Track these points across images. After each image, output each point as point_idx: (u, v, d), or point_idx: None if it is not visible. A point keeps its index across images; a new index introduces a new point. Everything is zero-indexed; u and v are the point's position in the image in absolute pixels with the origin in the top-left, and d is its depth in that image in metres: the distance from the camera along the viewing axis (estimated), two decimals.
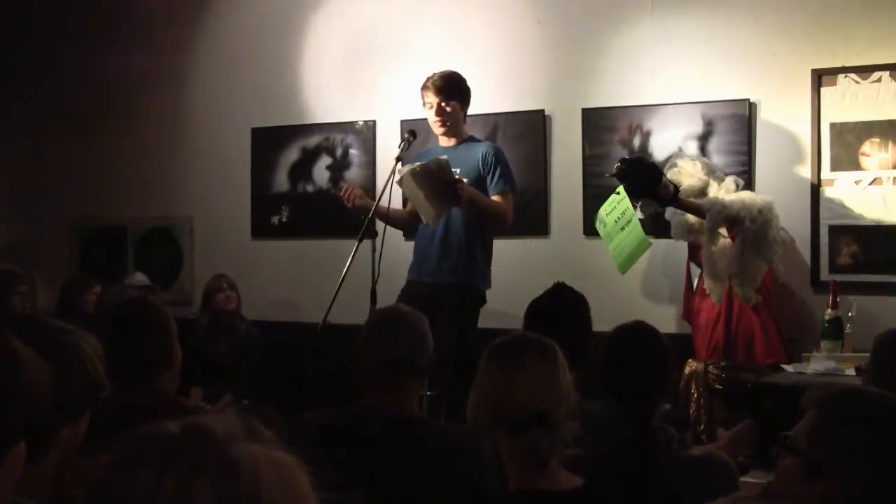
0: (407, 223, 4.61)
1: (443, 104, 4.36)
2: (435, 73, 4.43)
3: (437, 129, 4.44)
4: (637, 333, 2.51)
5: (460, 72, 4.51)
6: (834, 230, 4.44)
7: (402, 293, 4.35)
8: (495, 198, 4.37)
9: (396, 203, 4.63)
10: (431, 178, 4.14)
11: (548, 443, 1.91)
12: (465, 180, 4.21)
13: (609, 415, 2.38)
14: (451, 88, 4.37)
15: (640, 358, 2.41)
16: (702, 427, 4.17)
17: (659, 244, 4.53)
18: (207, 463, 0.90)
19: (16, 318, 2.88)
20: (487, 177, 4.37)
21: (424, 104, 4.44)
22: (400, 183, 4.21)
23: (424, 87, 4.41)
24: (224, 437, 0.92)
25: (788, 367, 4.02)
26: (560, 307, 3.00)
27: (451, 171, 4.18)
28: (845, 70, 4.42)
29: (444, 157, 4.22)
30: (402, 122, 5.23)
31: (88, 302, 5.36)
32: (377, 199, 4.31)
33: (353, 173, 5.58)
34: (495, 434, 1.97)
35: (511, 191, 4.43)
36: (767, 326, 4.24)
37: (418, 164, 4.20)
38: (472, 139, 4.53)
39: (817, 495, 1.46)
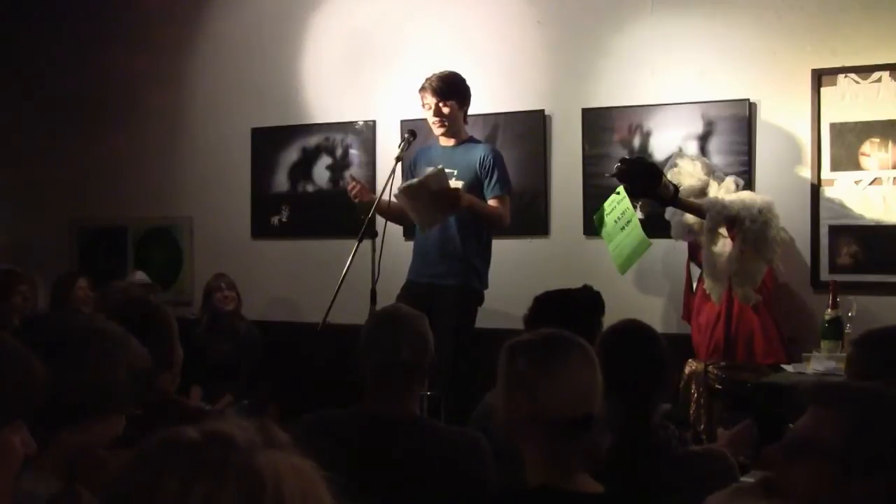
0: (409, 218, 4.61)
1: (440, 105, 4.37)
2: (433, 74, 4.43)
3: (437, 130, 4.46)
4: (632, 333, 2.51)
5: (460, 72, 4.52)
6: (834, 230, 4.44)
7: (400, 293, 4.36)
8: (492, 201, 4.38)
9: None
10: (430, 193, 4.17)
11: (593, 445, 1.89)
12: (460, 185, 4.23)
13: (609, 414, 2.37)
14: (449, 89, 4.38)
15: (637, 357, 2.41)
16: (702, 427, 4.17)
17: (659, 244, 4.52)
18: (232, 473, 0.89)
19: (35, 317, 2.83)
20: (485, 180, 4.38)
21: (423, 105, 4.45)
22: (397, 198, 4.24)
23: (422, 89, 4.42)
24: (247, 445, 0.92)
25: (788, 367, 4.02)
26: (573, 301, 3.00)
27: (448, 182, 4.20)
28: (845, 70, 4.42)
29: (441, 166, 4.24)
30: (402, 122, 5.23)
31: (78, 297, 5.34)
32: (377, 198, 4.32)
33: (353, 173, 5.56)
34: (532, 435, 1.90)
35: (508, 194, 4.44)
36: (767, 326, 4.24)
37: (416, 180, 4.22)
38: (471, 140, 4.54)
39: (859, 496, 1.42)
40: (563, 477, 1.87)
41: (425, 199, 4.19)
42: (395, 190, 4.30)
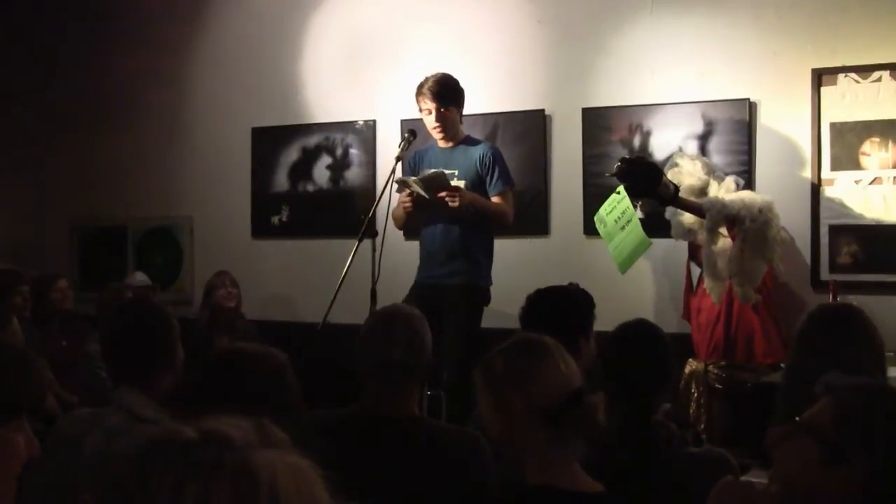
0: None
1: (441, 110, 4.37)
2: (428, 79, 4.41)
3: (436, 135, 4.45)
4: (640, 332, 2.52)
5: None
6: (834, 230, 4.44)
7: (408, 295, 4.36)
8: (495, 199, 4.38)
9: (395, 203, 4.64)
10: (427, 190, 4.19)
11: (588, 417, 1.92)
12: (462, 185, 4.23)
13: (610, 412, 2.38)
14: (447, 94, 4.37)
15: (643, 356, 2.42)
16: (702, 427, 4.17)
17: (659, 244, 4.52)
18: (227, 472, 0.89)
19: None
20: (487, 178, 4.39)
21: (421, 110, 4.44)
22: (396, 183, 4.26)
23: (420, 94, 4.40)
24: (242, 443, 0.92)
25: None
26: (566, 298, 2.99)
27: (448, 183, 4.21)
28: (845, 70, 4.42)
29: (440, 169, 4.26)
30: (402, 121, 5.23)
31: (55, 298, 5.26)
32: (377, 200, 4.33)
33: (353, 173, 5.58)
34: (530, 431, 1.92)
35: (511, 189, 4.45)
36: (767, 326, 4.24)
37: (413, 178, 4.28)
38: (469, 140, 4.54)
39: (836, 482, 1.46)
40: (563, 474, 1.88)
41: (422, 195, 4.21)
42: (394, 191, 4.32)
